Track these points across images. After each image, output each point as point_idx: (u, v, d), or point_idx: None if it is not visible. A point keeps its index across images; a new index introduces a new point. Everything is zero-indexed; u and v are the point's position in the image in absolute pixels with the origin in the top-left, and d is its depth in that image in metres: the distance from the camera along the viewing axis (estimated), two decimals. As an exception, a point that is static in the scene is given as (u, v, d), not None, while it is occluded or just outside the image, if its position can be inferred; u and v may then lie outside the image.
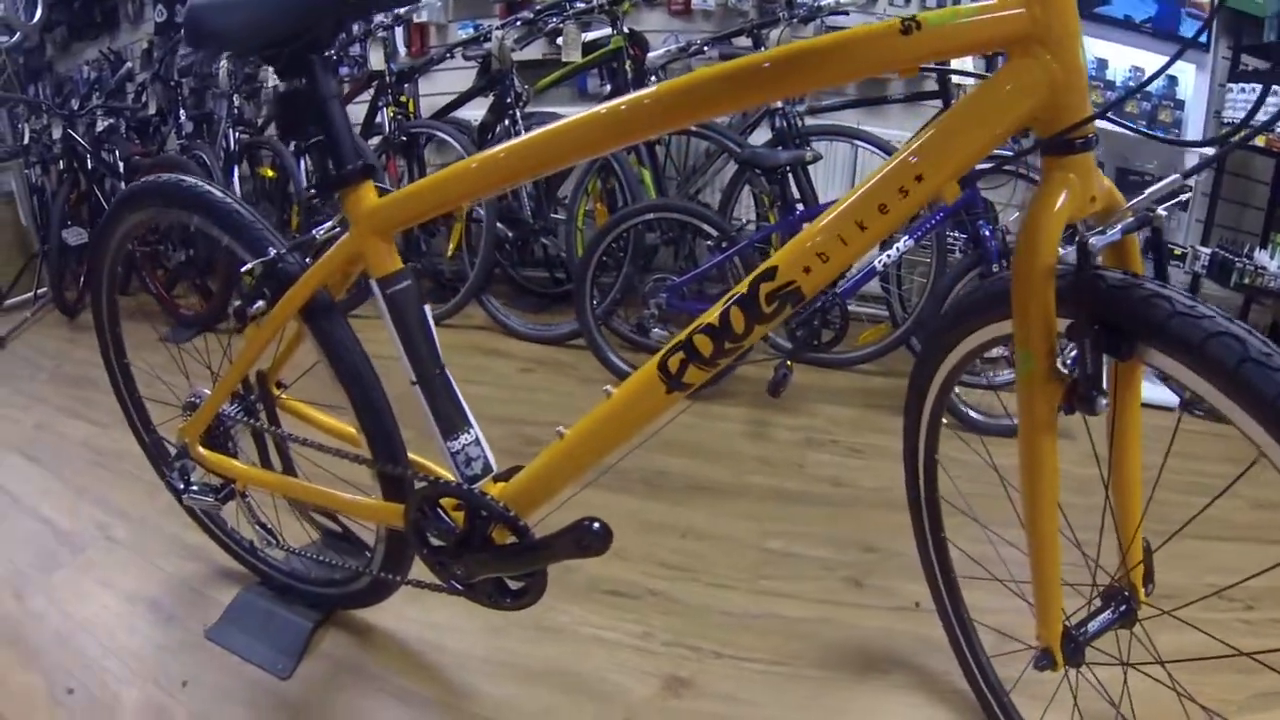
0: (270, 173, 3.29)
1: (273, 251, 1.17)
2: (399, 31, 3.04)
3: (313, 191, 2.83)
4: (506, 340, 2.93)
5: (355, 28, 3.15)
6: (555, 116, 2.64)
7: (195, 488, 1.48)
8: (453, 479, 1.11)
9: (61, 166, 3.77)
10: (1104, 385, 0.77)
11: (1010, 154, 1.99)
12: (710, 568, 1.72)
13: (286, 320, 1.16)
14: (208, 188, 1.27)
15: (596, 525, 0.99)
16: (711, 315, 0.88)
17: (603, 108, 0.86)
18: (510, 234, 2.72)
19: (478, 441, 1.11)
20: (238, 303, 1.19)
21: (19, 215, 4.23)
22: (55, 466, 2.58)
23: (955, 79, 2.03)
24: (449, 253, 2.85)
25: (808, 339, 2.09)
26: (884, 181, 0.81)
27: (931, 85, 2.27)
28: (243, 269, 1.18)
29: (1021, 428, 0.86)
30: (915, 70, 0.81)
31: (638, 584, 1.68)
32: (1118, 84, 2.40)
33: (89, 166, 3.64)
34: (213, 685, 1.55)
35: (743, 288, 0.86)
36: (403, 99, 2.94)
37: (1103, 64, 2.43)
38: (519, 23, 2.45)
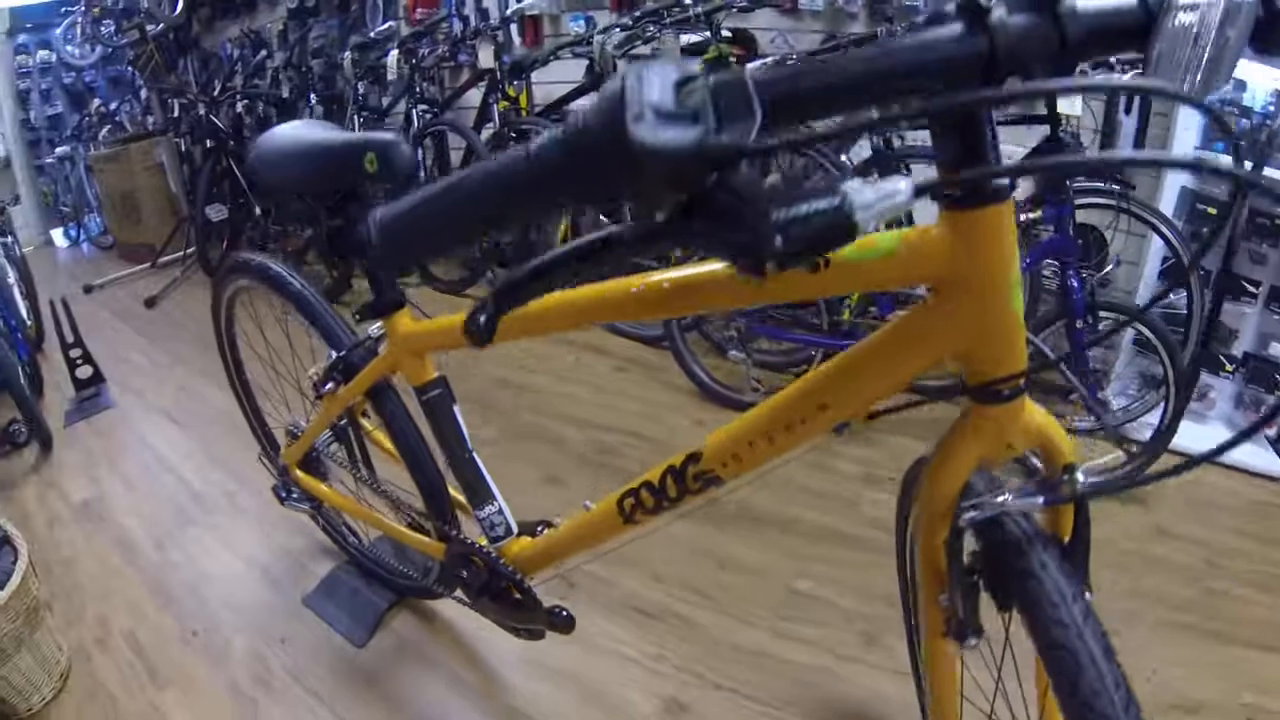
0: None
1: (344, 344, 1.40)
2: (513, 26, 3.11)
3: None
4: (607, 337, 3.01)
5: (466, 25, 3.27)
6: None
7: (295, 496, 1.72)
8: (482, 541, 1.32)
9: (206, 145, 4.11)
10: (978, 627, 0.76)
11: (1115, 189, 1.89)
12: (737, 600, 1.79)
13: (354, 398, 1.40)
14: (289, 278, 1.50)
15: (564, 613, 1.25)
16: (653, 475, 0.97)
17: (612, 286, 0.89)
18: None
19: (500, 511, 1.30)
20: (316, 378, 1.43)
21: (169, 184, 4.67)
22: (195, 431, 2.91)
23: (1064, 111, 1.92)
24: (559, 240, 2.95)
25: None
26: (788, 404, 0.81)
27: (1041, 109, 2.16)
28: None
29: (920, 629, 0.90)
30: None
31: (665, 606, 1.79)
32: (1255, 111, 2.20)
33: (229, 147, 3.96)
34: (304, 645, 1.80)
35: (676, 460, 0.94)
36: (512, 92, 3.03)
37: (1240, 85, 2.23)
38: (618, 30, 2.47)
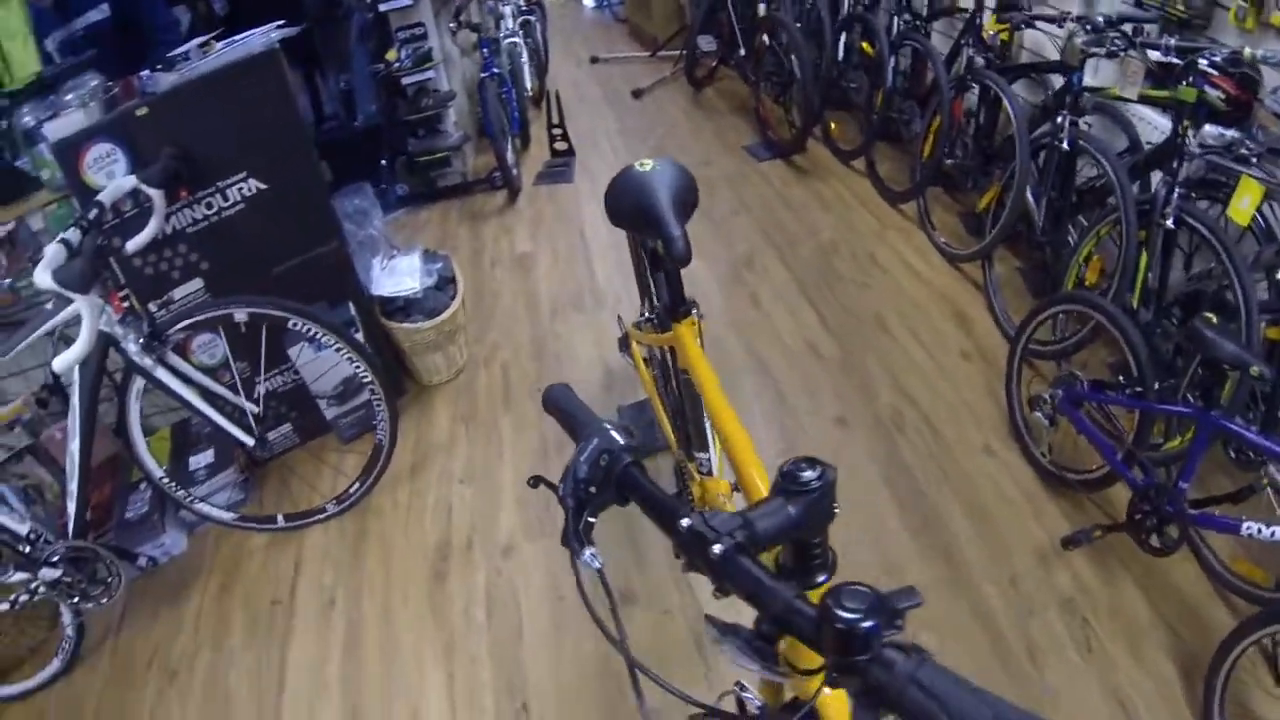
0: (869, 49, 3.50)
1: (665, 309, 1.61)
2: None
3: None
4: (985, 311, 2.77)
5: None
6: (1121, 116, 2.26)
7: (627, 354, 2.15)
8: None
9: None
10: None
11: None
12: None
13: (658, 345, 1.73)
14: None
15: None
16: None
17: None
18: (1041, 221, 2.50)
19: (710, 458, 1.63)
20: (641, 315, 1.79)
21: None
22: (618, 235, 3.55)
23: None
24: (980, 206, 2.82)
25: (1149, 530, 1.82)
26: None
27: None
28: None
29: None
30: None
31: None
32: None
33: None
34: None
35: None
36: (1004, 36, 2.74)
37: None
38: (1089, 27, 2.10)
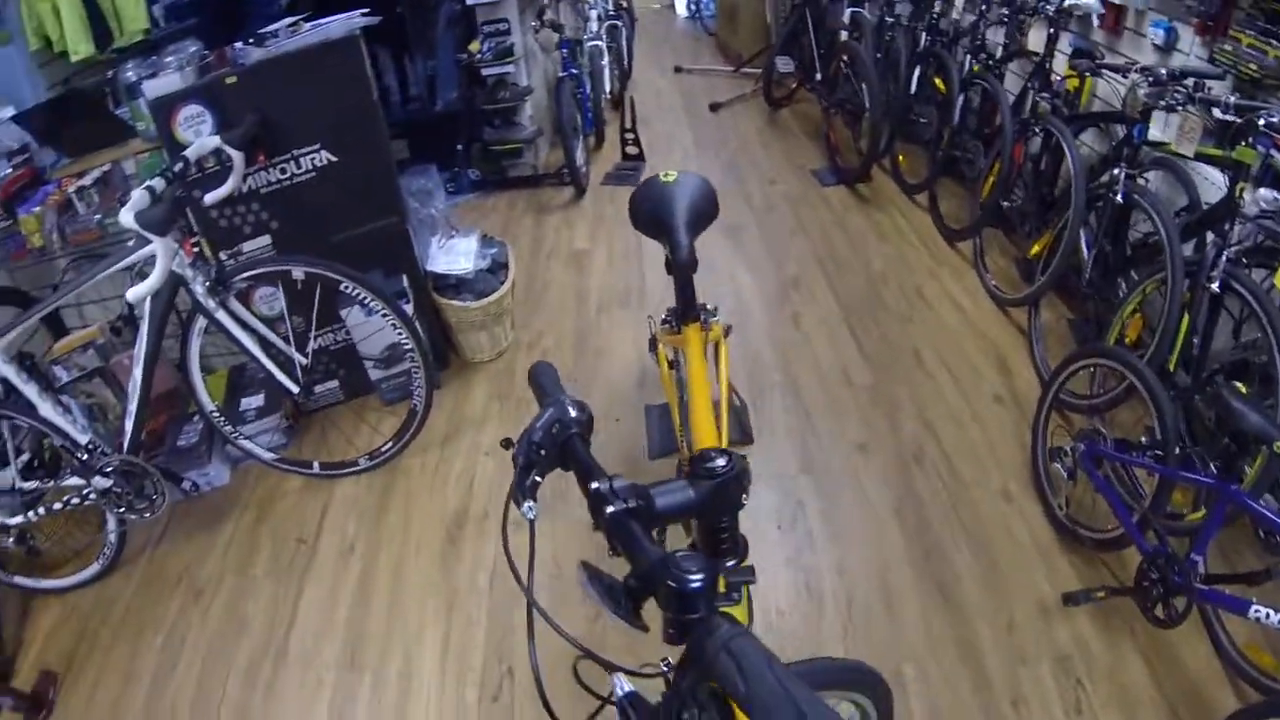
0: (941, 86, 3.50)
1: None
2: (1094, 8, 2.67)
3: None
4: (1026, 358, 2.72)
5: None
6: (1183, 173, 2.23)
7: (654, 355, 2.22)
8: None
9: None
10: None
11: None
12: None
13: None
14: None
15: None
16: None
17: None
18: (1089, 272, 2.46)
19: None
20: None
21: (766, 12, 5.20)
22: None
23: None
24: (1032, 251, 2.78)
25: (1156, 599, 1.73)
26: None
27: None
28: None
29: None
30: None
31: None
32: None
33: (817, 6, 4.29)
34: (625, 432, 2.41)
35: None
36: (1072, 82, 2.71)
37: None
38: (1152, 79, 2.05)
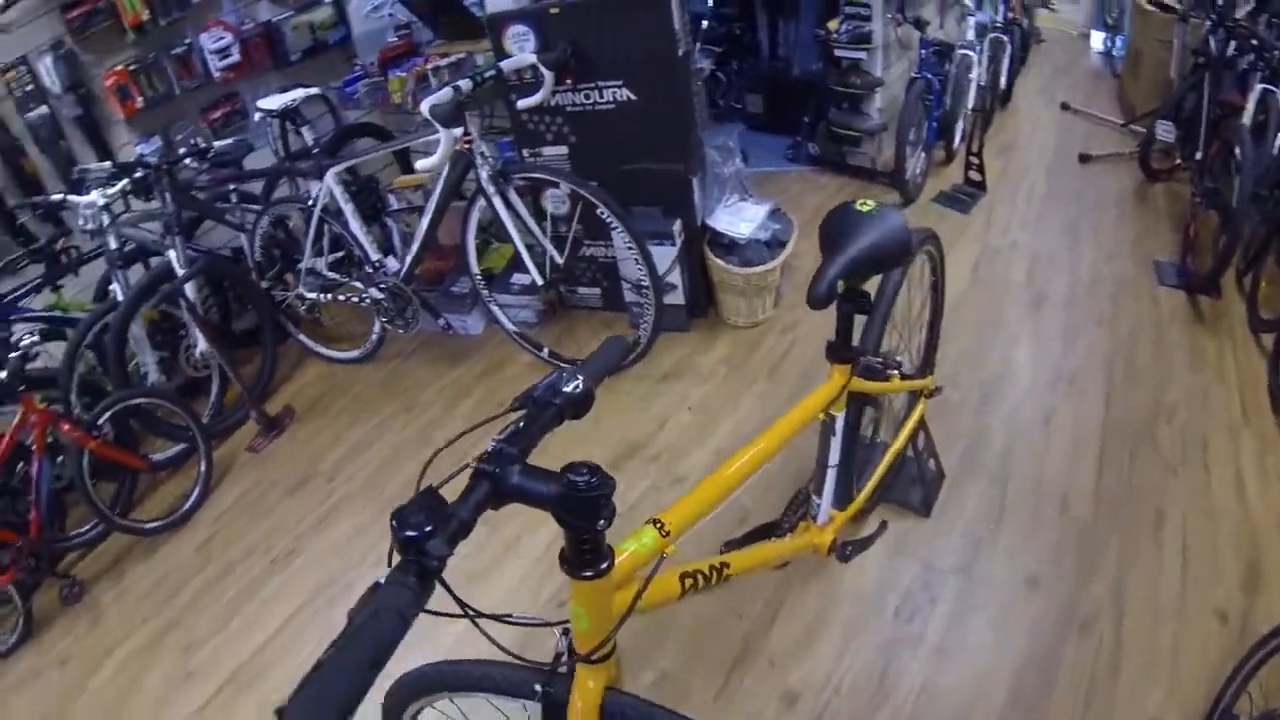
0: None
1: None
2: None
3: None
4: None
5: None
6: None
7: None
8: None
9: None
10: None
11: None
12: None
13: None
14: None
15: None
16: None
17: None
18: None
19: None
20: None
21: (1172, 62, 4.37)
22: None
23: None
24: None
25: None
26: None
27: None
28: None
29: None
30: None
31: None
32: None
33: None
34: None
35: None
36: None
37: None
38: None
